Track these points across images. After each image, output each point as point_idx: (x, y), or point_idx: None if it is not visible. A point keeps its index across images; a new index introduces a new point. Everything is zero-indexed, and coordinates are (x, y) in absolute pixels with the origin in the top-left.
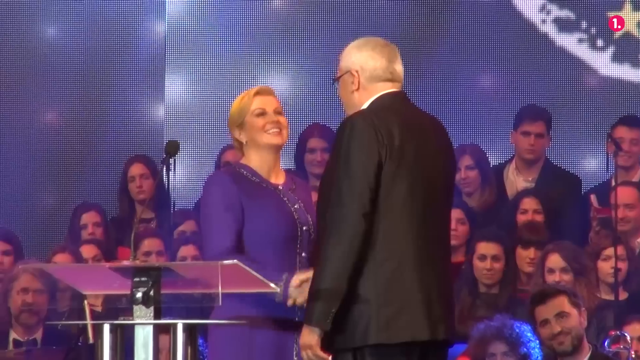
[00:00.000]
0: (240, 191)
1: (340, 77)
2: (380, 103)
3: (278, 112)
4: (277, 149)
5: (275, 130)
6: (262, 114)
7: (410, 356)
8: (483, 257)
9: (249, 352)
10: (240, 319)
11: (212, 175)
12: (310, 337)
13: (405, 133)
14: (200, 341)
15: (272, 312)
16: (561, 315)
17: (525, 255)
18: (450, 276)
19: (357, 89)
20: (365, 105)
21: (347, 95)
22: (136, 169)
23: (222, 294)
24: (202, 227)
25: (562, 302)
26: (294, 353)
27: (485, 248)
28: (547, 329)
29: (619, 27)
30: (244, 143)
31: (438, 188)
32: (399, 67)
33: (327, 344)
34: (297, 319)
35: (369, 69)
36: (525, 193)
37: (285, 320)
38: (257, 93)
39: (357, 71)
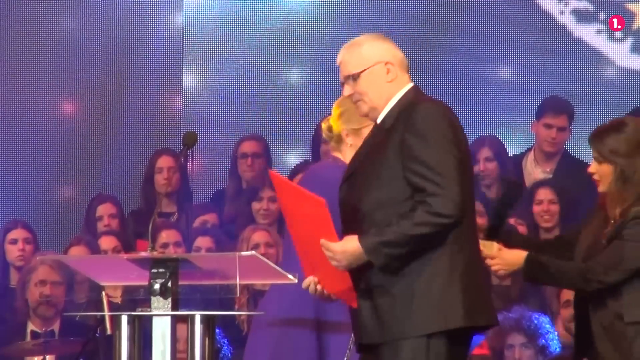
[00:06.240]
0: None
1: (364, 70)
2: (414, 96)
3: None
4: None
5: None
6: None
7: (469, 340)
8: None
9: (299, 347)
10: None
11: (324, 165)
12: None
13: (455, 123)
14: (217, 330)
15: (321, 314)
16: None
17: None
18: None
19: (395, 79)
20: (395, 98)
21: (379, 87)
22: (164, 162)
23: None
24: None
25: None
26: (346, 357)
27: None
28: (568, 311)
29: (619, 27)
30: (343, 142)
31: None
32: None
33: (398, 329)
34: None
35: (399, 59)
36: (539, 184)
37: (339, 323)
38: None
39: (391, 61)
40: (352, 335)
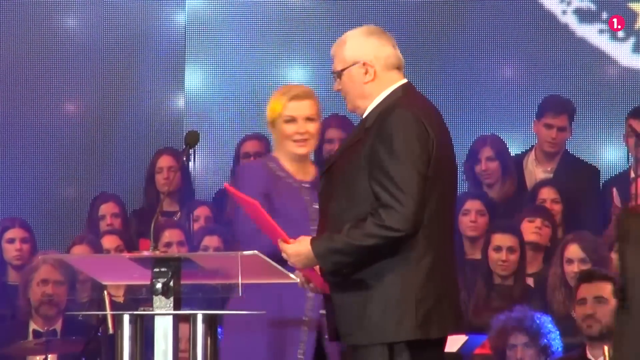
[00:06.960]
0: (268, 184)
1: (345, 69)
2: (401, 95)
3: (310, 119)
4: (302, 157)
5: (301, 139)
6: (291, 121)
7: (440, 348)
8: (498, 249)
9: (256, 346)
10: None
11: (245, 165)
12: (304, 256)
13: (434, 127)
14: (219, 330)
15: (280, 312)
16: (599, 299)
17: None
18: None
19: (373, 79)
20: (380, 97)
21: (357, 87)
22: (165, 161)
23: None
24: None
25: (605, 288)
26: (298, 352)
27: (501, 239)
28: (582, 308)
29: (619, 27)
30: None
31: (454, 182)
32: (399, 53)
33: (352, 337)
34: (304, 317)
35: (383, 57)
36: (542, 183)
37: (294, 320)
38: (292, 98)
39: (370, 61)
40: (304, 329)
